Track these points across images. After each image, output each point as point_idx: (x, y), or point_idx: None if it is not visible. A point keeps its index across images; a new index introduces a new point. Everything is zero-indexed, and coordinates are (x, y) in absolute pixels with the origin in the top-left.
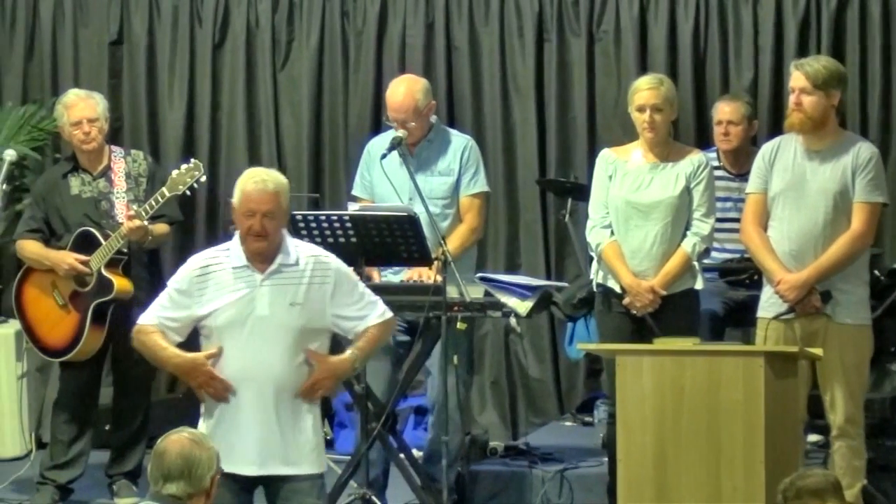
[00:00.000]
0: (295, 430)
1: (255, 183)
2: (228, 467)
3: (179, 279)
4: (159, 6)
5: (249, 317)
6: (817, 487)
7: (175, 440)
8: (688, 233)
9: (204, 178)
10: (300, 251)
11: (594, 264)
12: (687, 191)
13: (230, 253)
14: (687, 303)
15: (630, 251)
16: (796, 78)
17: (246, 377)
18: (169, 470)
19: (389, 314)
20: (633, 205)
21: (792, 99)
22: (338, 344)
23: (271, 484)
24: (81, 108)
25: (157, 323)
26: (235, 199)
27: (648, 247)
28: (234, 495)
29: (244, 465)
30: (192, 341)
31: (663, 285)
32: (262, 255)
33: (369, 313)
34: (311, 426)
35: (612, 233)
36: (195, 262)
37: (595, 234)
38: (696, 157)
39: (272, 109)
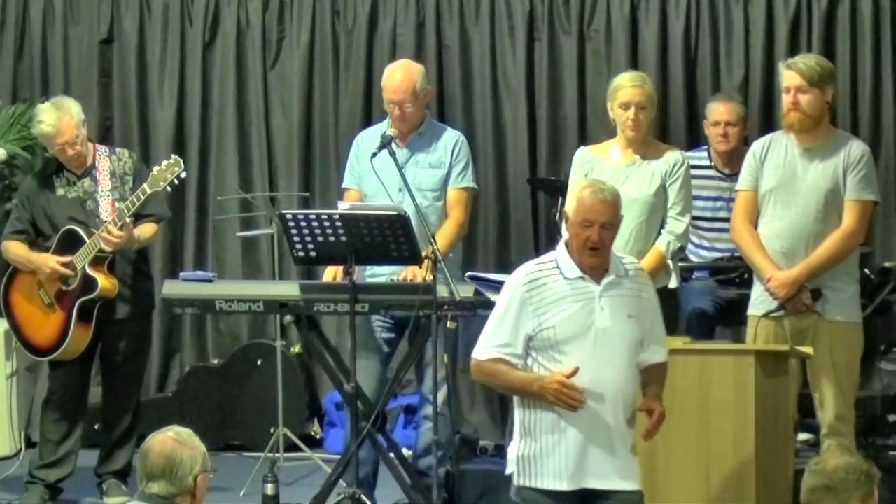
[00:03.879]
0: (628, 444)
1: (593, 192)
2: (558, 484)
3: (507, 302)
4: (150, 5)
5: (591, 329)
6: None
7: (159, 440)
8: (662, 231)
9: (184, 174)
10: (623, 260)
11: None
12: (663, 189)
13: (559, 263)
14: (663, 301)
15: None
16: (790, 77)
17: (594, 390)
18: (151, 470)
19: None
20: None
21: (788, 99)
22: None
23: (590, 499)
24: (61, 132)
25: (498, 357)
26: (570, 208)
27: (623, 245)
28: None
29: (586, 478)
30: None
31: None
32: (597, 267)
33: (663, 346)
34: (633, 442)
35: None
36: (519, 279)
37: None
38: (672, 156)
39: (263, 108)
